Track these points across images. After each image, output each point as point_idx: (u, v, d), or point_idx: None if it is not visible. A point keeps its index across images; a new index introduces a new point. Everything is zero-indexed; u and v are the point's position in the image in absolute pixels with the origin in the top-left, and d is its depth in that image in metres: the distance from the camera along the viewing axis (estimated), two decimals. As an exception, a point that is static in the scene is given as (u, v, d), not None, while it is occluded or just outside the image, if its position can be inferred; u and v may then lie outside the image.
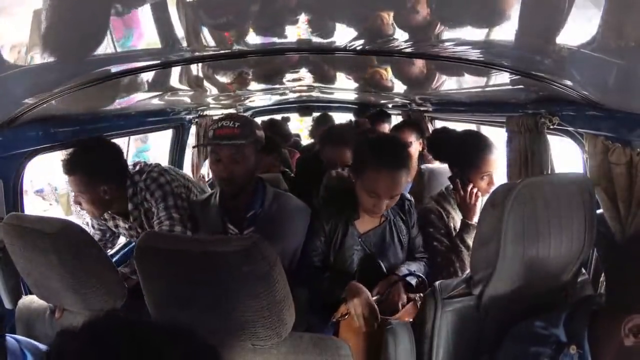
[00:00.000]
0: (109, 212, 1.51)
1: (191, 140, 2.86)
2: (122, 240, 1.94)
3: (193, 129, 2.79)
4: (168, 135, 2.74)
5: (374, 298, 1.17)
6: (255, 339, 0.77)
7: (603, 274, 1.13)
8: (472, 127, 2.17)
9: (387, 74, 1.68)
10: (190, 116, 2.67)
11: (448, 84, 1.71)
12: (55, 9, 0.63)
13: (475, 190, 1.40)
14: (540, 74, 1.03)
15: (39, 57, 0.81)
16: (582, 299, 0.88)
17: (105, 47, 0.85)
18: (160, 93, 1.69)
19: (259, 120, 3.89)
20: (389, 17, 0.82)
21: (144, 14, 0.75)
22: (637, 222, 0.96)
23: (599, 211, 1.01)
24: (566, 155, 1.40)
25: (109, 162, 1.40)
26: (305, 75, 1.97)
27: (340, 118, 3.56)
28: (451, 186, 1.48)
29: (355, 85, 2.33)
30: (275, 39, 1.03)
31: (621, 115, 0.98)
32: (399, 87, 2.06)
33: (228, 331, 0.77)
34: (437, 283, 0.99)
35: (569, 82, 1.02)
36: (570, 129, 1.19)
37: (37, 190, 4.50)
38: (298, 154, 3.26)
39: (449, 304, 0.94)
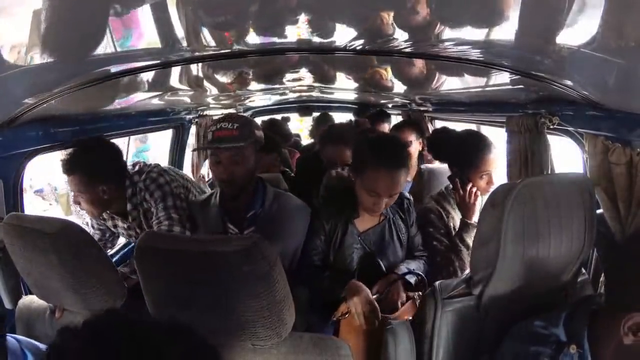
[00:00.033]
0: (108, 212, 1.51)
1: (191, 140, 2.86)
2: (122, 240, 1.94)
3: (193, 129, 2.79)
4: (168, 135, 2.74)
5: (374, 297, 1.18)
6: (255, 339, 0.77)
7: (603, 274, 1.13)
8: (472, 127, 2.17)
9: (387, 74, 1.68)
10: (190, 116, 2.67)
11: (448, 84, 1.71)
12: (54, 9, 0.63)
13: (474, 189, 1.41)
14: (540, 74, 1.03)
15: (38, 57, 0.81)
16: (581, 299, 0.88)
17: (105, 47, 0.85)
18: (160, 93, 1.69)
19: (259, 120, 3.89)
20: (388, 17, 0.82)
21: (144, 14, 0.75)
22: (637, 222, 0.96)
23: (599, 211, 1.01)
24: (566, 155, 1.40)
25: (108, 162, 1.40)
26: (305, 75, 1.97)
27: (340, 118, 3.56)
28: (451, 186, 1.48)
29: (355, 85, 2.33)
30: (275, 39, 1.03)
31: (621, 115, 0.98)
32: (399, 87, 2.06)
33: (228, 331, 0.77)
34: (437, 283, 0.99)
35: (569, 82, 1.02)
36: (570, 129, 1.20)
37: (36, 190, 4.50)
38: (298, 154, 3.26)
39: (449, 304, 0.94)
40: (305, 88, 2.67)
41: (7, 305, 1.16)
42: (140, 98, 1.66)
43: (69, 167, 1.34)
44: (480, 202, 1.43)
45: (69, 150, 1.37)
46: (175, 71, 1.29)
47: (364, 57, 1.29)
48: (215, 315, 0.77)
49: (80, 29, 0.75)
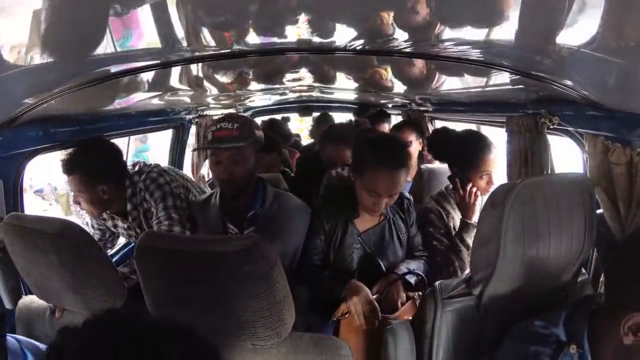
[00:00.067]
0: (108, 212, 1.51)
1: (191, 140, 2.86)
2: (121, 240, 1.94)
3: (193, 129, 2.79)
4: (168, 135, 2.74)
5: (374, 296, 1.18)
6: (255, 339, 0.77)
7: (603, 274, 1.13)
8: (472, 127, 2.17)
9: (387, 74, 1.68)
10: (190, 116, 2.67)
11: (448, 84, 1.71)
12: (54, 9, 0.63)
13: (474, 189, 1.41)
14: (540, 74, 1.03)
15: (38, 57, 0.81)
16: (581, 299, 0.88)
17: (105, 47, 0.85)
18: (160, 93, 1.69)
19: (259, 120, 3.89)
20: (388, 17, 0.82)
21: (144, 14, 0.75)
22: (637, 222, 0.96)
23: (599, 211, 1.01)
24: (566, 155, 1.40)
25: (108, 162, 1.40)
26: (305, 75, 1.97)
27: (340, 118, 3.56)
28: (451, 186, 1.48)
29: (355, 85, 2.33)
30: (275, 39, 1.03)
31: (621, 115, 0.98)
32: (399, 87, 2.06)
33: (228, 331, 0.77)
34: (437, 283, 0.99)
35: (569, 82, 1.02)
36: (570, 129, 1.20)
37: (36, 190, 4.50)
38: (298, 153, 3.26)
39: (449, 304, 0.94)
40: (305, 88, 2.67)
41: (7, 305, 1.16)
42: (140, 98, 1.66)
43: (69, 167, 1.34)
44: (480, 202, 1.43)
45: (69, 150, 1.37)
46: (175, 71, 1.29)
47: (364, 57, 1.29)
48: (215, 315, 0.77)
49: (80, 29, 0.75)
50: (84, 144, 1.39)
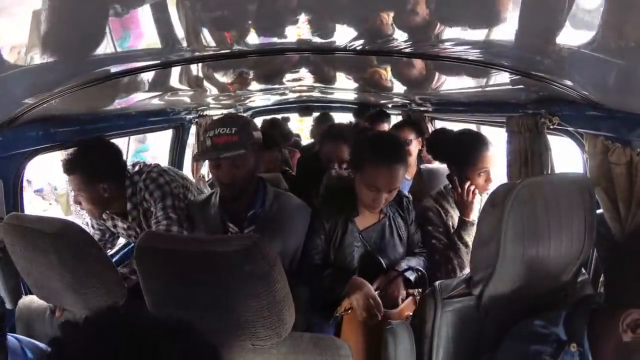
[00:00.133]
0: (108, 212, 1.52)
1: (191, 140, 2.86)
2: (121, 240, 1.94)
3: (193, 129, 2.79)
4: (168, 135, 2.74)
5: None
6: (255, 339, 0.77)
7: (603, 274, 1.13)
8: (472, 127, 2.17)
9: (387, 74, 1.69)
10: (190, 116, 2.67)
11: (448, 84, 1.71)
12: (55, 9, 0.63)
13: (472, 187, 1.42)
14: (540, 74, 1.03)
15: (38, 57, 0.81)
16: (581, 298, 0.88)
17: (105, 47, 0.85)
18: (160, 93, 1.69)
19: (259, 120, 3.89)
20: (388, 17, 0.82)
21: (144, 14, 0.75)
22: (637, 222, 0.96)
23: (599, 211, 1.01)
24: (566, 155, 1.40)
25: (109, 162, 1.41)
26: (305, 75, 1.97)
27: (340, 118, 3.56)
28: (450, 185, 1.49)
29: (355, 85, 2.33)
30: (275, 39, 1.03)
31: (621, 115, 0.98)
32: (399, 87, 2.07)
33: (228, 331, 0.77)
34: (437, 283, 0.99)
35: (569, 82, 1.02)
36: (570, 129, 1.20)
37: (36, 190, 4.50)
38: (298, 153, 3.26)
39: (449, 304, 0.94)
40: (305, 88, 2.67)
41: (7, 305, 1.16)
42: (140, 98, 1.66)
43: (70, 166, 1.34)
44: (478, 200, 1.44)
45: (70, 150, 1.38)
46: (175, 71, 1.29)
47: (364, 57, 1.29)
48: (215, 315, 0.77)
49: (80, 29, 0.75)
50: (85, 144, 1.39)
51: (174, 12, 0.75)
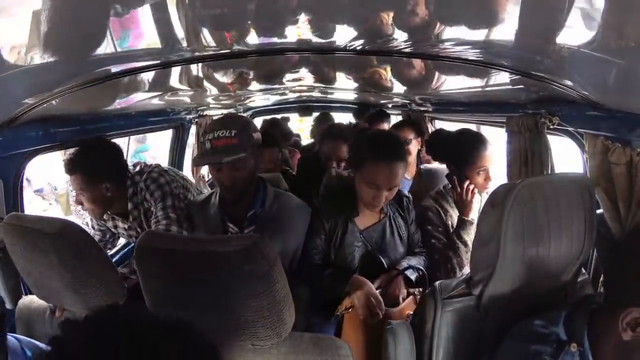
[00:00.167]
0: (109, 212, 1.52)
1: (191, 140, 2.86)
2: (122, 240, 1.94)
3: (193, 129, 2.79)
4: (168, 135, 2.74)
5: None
6: (255, 339, 0.77)
7: (603, 274, 1.13)
8: (472, 127, 2.17)
9: (387, 74, 1.69)
10: (190, 116, 2.67)
11: (448, 84, 1.71)
12: (55, 9, 0.63)
13: (471, 186, 1.42)
14: (540, 74, 1.03)
15: (38, 57, 0.81)
16: (581, 298, 0.88)
17: (105, 47, 0.85)
18: (160, 93, 1.69)
19: (259, 120, 3.89)
20: (388, 17, 0.82)
21: (144, 14, 0.75)
22: (637, 222, 0.96)
23: (599, 211, 1.01)
24: (566, 155, 1.40)
25: (110, 162, 1.41)
26: (305, 75, 1.97)
27: (340, 118, 3.56)
28: (449, 185, 1.50)
29: (356, 85, 2.33)
30: (276, 39, 1.03)
31: (621, 115, 0.98)
32: (399, 87, 2.07)
33: (228, 331, 0.77)
34: (437, 283, 0.99)
35: (569, 82, 1.02)
36: (570, 129, 1.19)
37: (36, 190, 4.50)
38: (298, 153, 3.26)
39: (449, 304, 0.94)
40: (305, 88, 2.67)
41: (7, 305, 1.16)
42: (141, 98, 1.66)
43: (72, 166, 1.35)
44: (478, 199, 1.45)
45: (72, 150, 1.38)
46: (175, 71, 1.29)
47: (364, 57, 1.30)
48: (215, 315, 0.77)
49: (80, 29, 0.75)
50: (86, 144, 1.40)
51: (174, 12, 0.75)
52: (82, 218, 2.66)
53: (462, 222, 1.42)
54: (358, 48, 1.09)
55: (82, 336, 0.46)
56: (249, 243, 0.71)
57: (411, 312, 1.20)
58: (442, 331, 0.94)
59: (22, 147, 1.31)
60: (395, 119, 3.14)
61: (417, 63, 1.33)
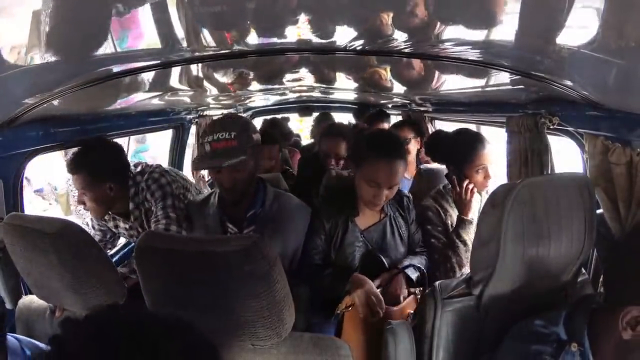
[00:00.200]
0: (110, 212, 1.52)
1: (191, 140, 2.86)
2: (122, 240, 1.94)
3: (193, 129, 2.79)
4: (168, 135, 2.74)
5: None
6: (255, 339, 0.77)
7: (603, 274, 1.13)
8: (472, 127, 2.18)
9: (387, 74, 1.69)
10: (190, 116, 2.67)
11: (448, 84, 1.71)
12: (55, 9, 0.63)
13: (471, 186, 1.43)
14: (540, 74, 1.03)
15: (39, 57, 0.81)
16: (581, 298, 0.88)
17: (106, 47, 0.85)
18: (160, 93, 1.69)
19: (259, 120, 3.89)
20: (388, 17, 0.82)
21: (144, 14, 0.75)
22: (637, 221, 0.96)
23: (599, 211, 1.01)
24: (566, 155, 1.41)
25: (112, 161, 1.42)
26: (305, 76, 1.97)
27: (340, 118, 3.56)
28: (449, 185, 1.50)
29: (356, 85, 2.33)
30: (275, 39, 1.03)
31: (621, 115, 0.98)
32: (399, 87, 2.07)
33: (227, 331, 0.77)
34: (437, 283, 0.99)
35: (569, 82, 1.02)
36: (570, 129, 1.19)
37: (36, 190, 4.49)
38: (298, 153, 3.26)
39: (449, 304, 0.94)
40: (305, 88, 2.67)
41: (7, 305, 1.16)
42: (141, 98, 1.66)
43: (74, 166, 1.35)
44: (477, 199, 1.45)
45: (74, 150, 1.39)
46: (175, 71, 1.29)
47: (364, 57, 1.30)
48: (215, 315, 0.77)
49: (80, 29, 0.75)
50: (87, 143, 1.41)
51: (174, 12, 0.75)
52: (83, 218, 2.66)
53: (462, 222, 1.42)
54: (358, 48, 1.09)
55: (82, 335, 0.46)
56: (249, 243, 0.71)
57: (412, 311, 1.20)
58: (442, 331, 0.94)
59: (22, 147, 1.31)
60: (395, 119, 3.15)
61: (417, 63, 1.33)
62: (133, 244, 1.86)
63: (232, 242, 0.73)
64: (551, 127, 1.26)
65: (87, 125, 1.56)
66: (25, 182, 1.45)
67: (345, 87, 2.46)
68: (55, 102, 1.13)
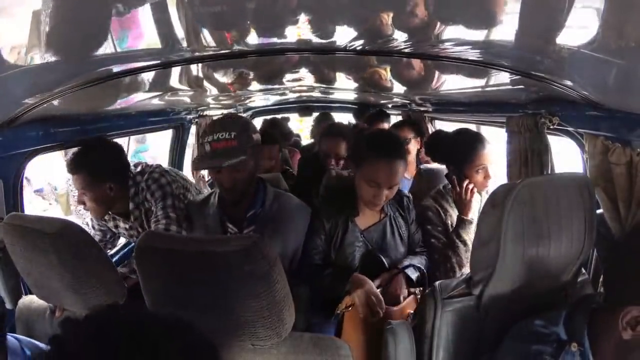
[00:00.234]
0: (110, 212, 1.52)
1: (191, 140, 2.86)
2: (122, 240, 1.94)
3: (193, 129, 2.79)
4: (168, 135, 2.74)
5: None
6: (255, 339, 0.77)
7: (603, 274, 1.13)
8: (472, 127, 2.18)
9: (387, 74, 1.69)
10: (190, 116, 2.67)
11: (448, 84, 1.71)
12: (55, 9, 0.63)
13: (470, 186, 1.43)
14: (540, 74, 1.03)
15: (39, 57, 0.81)
16: (581, 298, 0.88)
17: (106, 47, 0.85)
18: (160, 93, 1.69)
19: (259, 120, 3.89)
20: (388, 17, 0.82)
21: (144, 14, 0.75)
22: (637, 221, 0.96)
23: (599, 211, 1.01)
24: (566, 155, 1.41)
25: (112, 161, 1.42)
26: (305, 76, 1.97)
27: (340, 118, 3.56)
28: (449, 185, 1.50)
29: (356, 85, 2.33)
30: (275, 39, 1.03)
31: (621, 115, 0.98)
32: (399, 87, 2.07)
33: (227, 331, 0.77)
34: (437, 283, 0.99)
35: (569, 82, 1.02)
36: (570, 129, 1.20)
37: (36, 190, 4.49)
38: (298, 153, 3.26)
39: (449, 304, 0.94)
40: (305, 88, 2.67)
41: (7, 305, 1.16)
42: (141, 98, 1.66)
43: (74, 165, 1.35)
44: (477, 199, 1.45)
45: (75, 150, 1.39)
46: (175, 71, 1.29)
47: (364, 57, 1.30)
48: (215, 315, 0.77)
49: (81, 29, 0.75)
50: (88, 143, 1.41)
51: (174, 12, 0.75)
52: (83, 218, 2.66)
53: (462, 222, 1.43)
54: (358, 48, 1.09)
55: (82, 335, 0.46)
56: (249, 243, 0.71)
57: (411, 311, 1.20)
58: (442, 331, 0.94)
59: (22, 147, 1.31)
60: (395, 119, 3.15)
61: (417, 63, 1.33)
62: (133, 244, 1.86)
63: (232, 242, 0.73)
64: (551, 127, 1.26)
65: (87, 125, 1.56)
66: (25, 182, 1.45)
67: (345, 87, 2.46)
68: (55, 102, 1.13)
